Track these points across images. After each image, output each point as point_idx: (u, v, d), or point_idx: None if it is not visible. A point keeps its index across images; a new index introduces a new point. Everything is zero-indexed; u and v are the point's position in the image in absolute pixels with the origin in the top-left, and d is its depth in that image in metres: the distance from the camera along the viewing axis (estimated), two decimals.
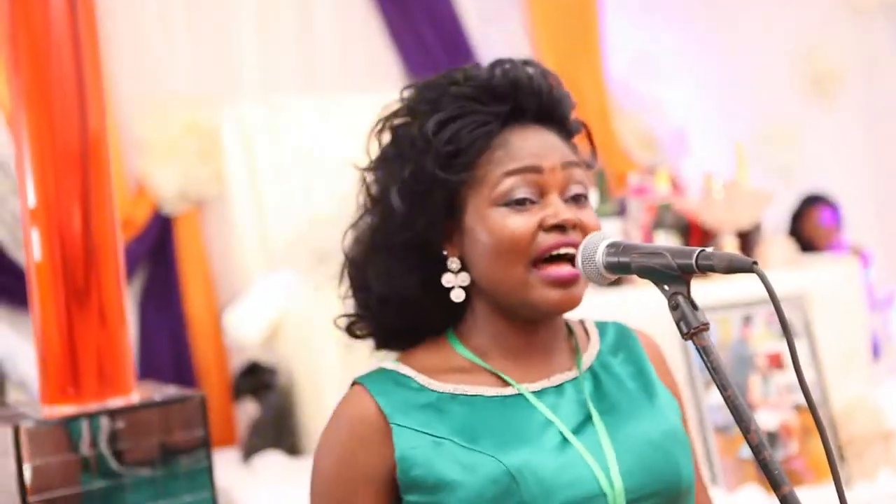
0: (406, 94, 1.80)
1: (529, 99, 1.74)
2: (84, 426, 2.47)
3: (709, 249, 1.55)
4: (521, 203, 1.69)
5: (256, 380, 5.40)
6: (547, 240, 1.66)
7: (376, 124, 1.81)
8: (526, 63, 1.78)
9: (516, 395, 1.72)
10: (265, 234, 5.98)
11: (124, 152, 5.90)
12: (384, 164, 1.76)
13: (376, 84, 6.70)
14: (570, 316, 1.87)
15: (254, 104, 6.23)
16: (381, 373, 1.75)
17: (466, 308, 1.78)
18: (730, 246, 3.98)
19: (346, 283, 1.83)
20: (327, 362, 5.19)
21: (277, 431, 5.28)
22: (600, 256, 1.62)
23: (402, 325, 1.80)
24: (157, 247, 6.09)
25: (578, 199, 1.73)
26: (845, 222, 6.65)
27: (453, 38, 7.05)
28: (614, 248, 1.62)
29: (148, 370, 5.72)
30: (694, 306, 1.54)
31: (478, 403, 1.71)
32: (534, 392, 1.73)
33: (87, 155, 2.65)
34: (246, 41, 6.54)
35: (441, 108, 1.73)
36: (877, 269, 6.42)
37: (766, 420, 3.74)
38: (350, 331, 1.85)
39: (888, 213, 7.97)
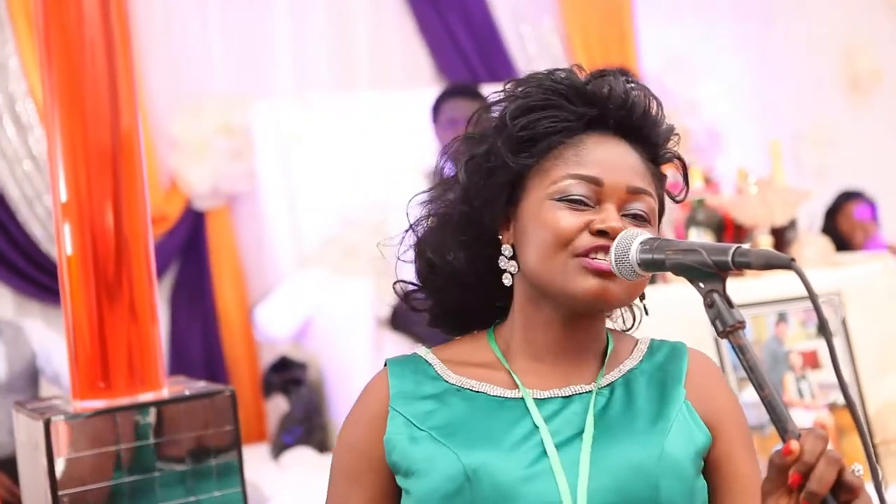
0: (508, 83, 1.80)
1: (618, 111, 1.73)
2: (114, 421, 2.48)
3: (745, 246, 1.53)
4: (575, 202, 1.68)
5: (287, 375, 5.44)
6: (589, 241, 1.65)
7: (478, 110, 1.82)
8: (630, 81, 1.77)
9: (518, 398, 1.72)
10: (297, 231, 6.01)
11: (158, 149, 5.94)
12: (466, 141, 1.78)
13: (409, 83, 6.77)
14: (637, 334, 1.88)
15: (287, 102, 6.25)
16: (409, 358, 1.79)
17: (512, 299, 1.78)
18: (764, 243, 3.96)
19: (405, 248, 1.84)
20: (357, 358, 5.21)
21: (307, 427, 5.30)
22: (634, 253, 1.60)
23: (450, 305, 1.82)
24: (189, 242, 6.12)
25: (636, 217, 1.70)
26: (882, 221, 6.61)
27: (486, 38, 7.07)
28: (648, 244, 1.60)
29: (179, 365, 5.76)
30: (730, 304, 1.52)
31: (477, 400, 1.72)
32: (538, 399, 1.72)
33: (118, 151, 2.66)
34: (279, 40, 6.59)
35: (530, 97, 1.74)
36: None
37: (800, 419, 3.69)
38: (407, 299, 1.87)
39: None
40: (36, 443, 2.48)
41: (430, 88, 6.39)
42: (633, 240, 1.61)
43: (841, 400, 3.78)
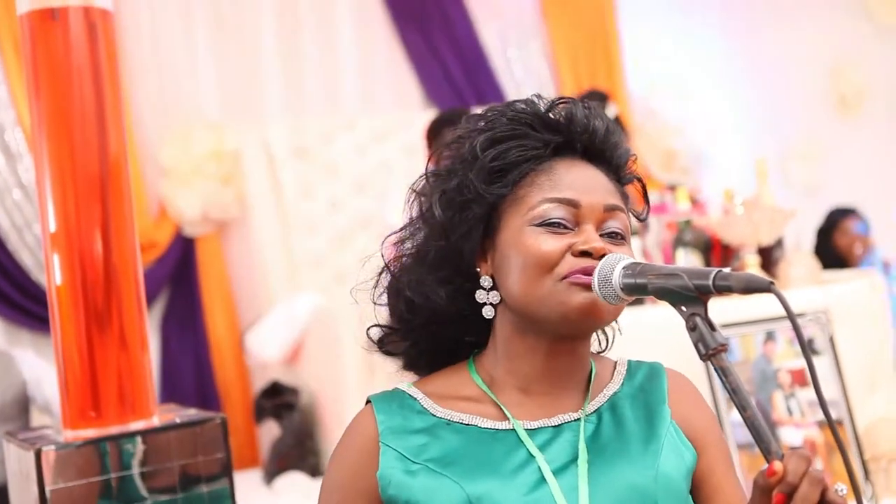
0: (470, 117, 1.83)
1: (582, 135, 1.75)
2: (105, 450, 2.47)
3: (726, 270, 1.54)
4: (555, 226, 1.69)
5: (278, 400, 5.44)
6: (573, 263, 1.66)
7: (452, 141, 1.84)
8: (587, 106, 1.79)
9: (510, 429, 1.72)
10: (288, 255, 6.02)
11: (146, 175, 5.95)
12: (435, 177, 1.79)
13: (398, 107, 6.80)
14: (610, 355, 1.89)
15: (276, 127, 6.27)
16: (393, 393, 1.78)
17: (489, 336, 1.78)
18: (751, 262, 3.97)
19: (380, 289, 1.84)
20: (349, 383, 5.21)
21: (299, 452, 5.30)
22: (617, 278, 1.61)
23: (429, 344, 1.82)
24: (179, 268, 6.13)
25: (614, 236, 1.72)
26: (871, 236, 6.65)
27: (474, 62, 7.11)
28: (631, 269, 1.61)
29: (171, 392, 5.76)
30: (712, 327, 1.52)
31: (469, 433, 1.72)
32: (529, 429, 1.72)
33: (107, 180, 2.66)
34: (269, 66, 6.60)
35: (496, 128, 1.75)
36: None
37: (790, 436, 3.73)
38: (381, 343, 1.86)
39: None
40: (27, 473, 2.47)
41: (418, 113, 6.43)
42: (615, 264, 1.62)
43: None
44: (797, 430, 3.75)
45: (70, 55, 2.65)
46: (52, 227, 2.66)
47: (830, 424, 1.51)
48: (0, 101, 5.87)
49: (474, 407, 1.75)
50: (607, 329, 1.86)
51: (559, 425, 1.73)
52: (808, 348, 1.50)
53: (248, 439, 5.88)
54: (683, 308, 1.55)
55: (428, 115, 5.75)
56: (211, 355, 6.18)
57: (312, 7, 6.74)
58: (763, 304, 3.73)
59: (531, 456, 1.69)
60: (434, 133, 5.26)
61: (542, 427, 1.73)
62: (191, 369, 6.19)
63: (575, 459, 1.69)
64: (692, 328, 1.54)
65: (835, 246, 6.43)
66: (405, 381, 1.84)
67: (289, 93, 6.62)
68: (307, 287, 5.80)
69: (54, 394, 4.56)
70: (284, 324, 5.62)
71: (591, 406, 1.77)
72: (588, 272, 1.65)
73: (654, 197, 4.35)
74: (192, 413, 2.77)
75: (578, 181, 1.73)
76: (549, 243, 1.67)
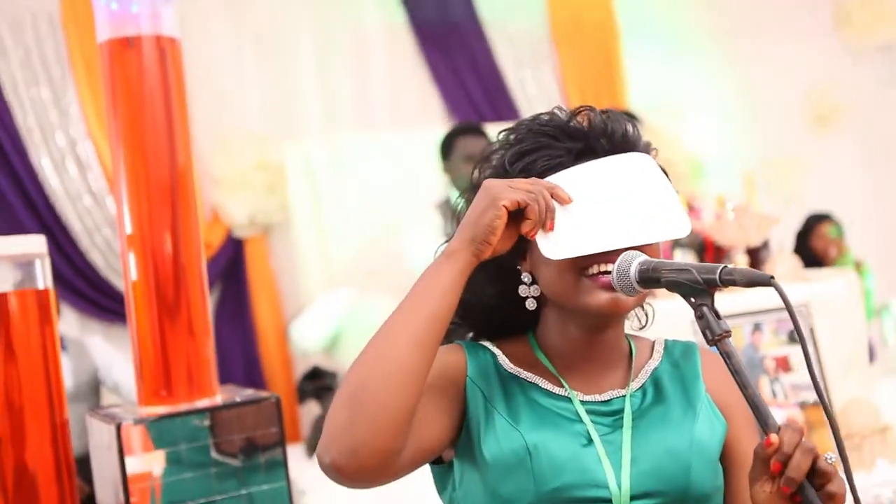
0: (501, 133, 1.82)
1: (601, 139, 1.75)
2: (176, 423, 2.49)
3: (730, 266, 1.55)
4: None
5: (318, 383, 5.44)
6: (595, 255, 1.66)
7: (485, 156, 1.84)
8: (605, 112, 1.79)
9: (565, 395, 1.73)
10: (326, 256, 6.01)
11: (201, 184, 5.97)
12: (473, 191, 1.76)
13: (423, 122, 6.78)
14: (647, 334, 1.90)
15: (315, 141, 6.27)
16: (476, 345, 1.81)
17: (540, 316, 1.80)
18: (741, 262, 3.96)
19: None
20: None
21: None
22: (634, 273, 1.62)
23: (488, 331, 1.84)
24: (230, 266, 6.15)
25: None
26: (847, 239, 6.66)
27: (491, 82, 7.07)
28: (646, 265, 1.62)
29: (222, 377, 5.77)
30: (717, 316, 1.54)
31: (532, 391, 1.73)
32: (582, 399, 1.73)
33: (175, 188, 2.68)
34: (308, 85, 6.60)
35: (522, 142, 1.76)
36: (875, 281, 6.40)
37: (774, 416, 3.71)
38: (448, 337, 1.80)
39: (884, 232, 7.95)
40: (109, 444, 2.49)
41: (441, 127, 6.43)
42: (632, 261, 1.63)
43: (810, 399, 3.82)
44: (780, 410, 3.74)
45: (143, 78, 2.67)
46: (129, 229, 2.67)
47: (823, 402, 1.50)
48: (72, 118, 5.88)
49: (536, 371, 1.76)
50: (646, 310, 1.86)
51: (608, 400, 1.75)
52: (803, 334, 1.52)
53: (291, 418, 5.87)
54: (692, 299, 1.57)
55: (448, 129, 5.77)
56: (257, 344, 6.21)
57: (346, 32, 6.73)
58: (750, 299, 3.75)
59: (582, 421, 1.70)
60: (445, 144, 5.27)
61: (591, 400, 1.74)
62: (239, 356, 6.21)
63: (620, 427, 1.71)
64: (700, 317, 1.55)
65: (811, 248, 6.43)
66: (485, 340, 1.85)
67: (325, 109, 6.62)
68: (342, 284, 5.78)
69: (122, 376, 4.59)
70: (323, 316, 5.64)
71: (636, 383, 1.78)
72: (609, 261, 1.65)
73: None
74: (249, 393, 2.79)
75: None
76: None
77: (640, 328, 1.88)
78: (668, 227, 1.73)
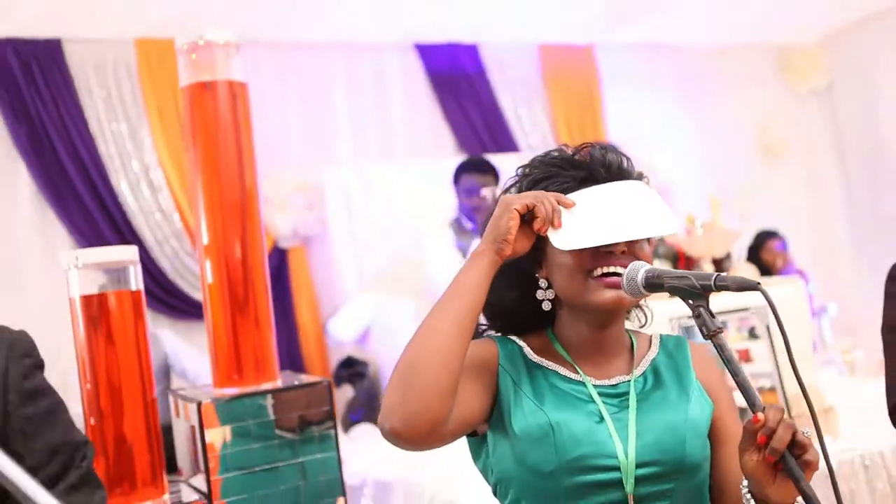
0: (518, 168, 1.85)
1: (600, 169, 1.75)
2: (245, 403, 2.50)
3: (723, 274, 1.57)
4: None
5: (351, 370, 5.47)
6: (599, 259, 1.69)
7: (506, 189, 1.85)
8: (603, 146, 1.80)
9: (580, 381, 1.74)
10: (357, 264, 6.04)
11: None
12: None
13: (436, 153, 6.80)
14: (646, 331, 1.91)
15: (347, 168, 6.29)
16: (505, 338, 1.81)
17: (556, 315, 1.81)
18: (708, 270, 3.99)
19: None
20: None
21: (368, 409, 5.32)
22: (641, 279, 1.63)
23: (513, 327, 1.84)
24: (275, 272, 6.13)
25: (633, 243, 1.73)
26: (790, 252, 6.67)
27: (493, 119, 7.08)
28: (651, 272, 1.63)
29: None
30: (711, 315, 1.57)
31: (553, 376, 1.74)
32: (594, 384, 1.74)
33: (244, 206, 2.69)
34: (341, 123, 6.62)
35: (535, 173, 1.78)
36: (813, 287, 6.42)
37: (736, 399, 3.69)
38: (478, 335, 1.86)
39: (821, 246, 7.97)
40: (190, 419, 2.51)
41: (452, 157, 6.45)
42: (640, 269, 1.64)
43: (767, 384, 3.76)
44: (741, 395, 3.70)
45: (218, 115, 2.68)
46: (205, 240, 2.68)
47: (801, 386, 1.53)
48: (145, 149, 5.90)
49: (555, 361, 1.77)
50: (646, 311, 1.88)
51: (616, 384, 1.75)
52: (784, 329, 1.54)
53: None
54: (690, 301, 1.59)
55: (459, 159, 5.78)
56: (298, 337, 6.19)
57: (372, 78, 6.74)
58: (716, 302, 3.72)
59: (594, 401, 1.71)
60: (455, 175, 5.28)
61: (602, 385, 1.74)
62: (283, 348, 6.20)
63: (626, 407, 1.72)
64: (698, 316, 1.58)
65: (761, 259, 6.45)
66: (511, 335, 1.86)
67: (355, 142, 6.63)
68: (371, 287, 5.82)
69: (188, 363, 4.60)
70: (356, 315, 5.66)
71: (639, 370, 1.79)
72: (612, 264, 1.68)
73: None
74: (304, 377, 2.80)
75: None
76: (584, 253, 1.70)
77: (641, 326, 1.89)
78: (658, 225, 1.75)
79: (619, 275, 1.68)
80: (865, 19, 7.80)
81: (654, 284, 1.63)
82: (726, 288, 1.56)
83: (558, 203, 1.64)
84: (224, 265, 2.66)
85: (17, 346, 1.34)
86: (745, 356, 3.82)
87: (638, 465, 1.65)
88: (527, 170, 1.82)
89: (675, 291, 1.61)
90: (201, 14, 5.61)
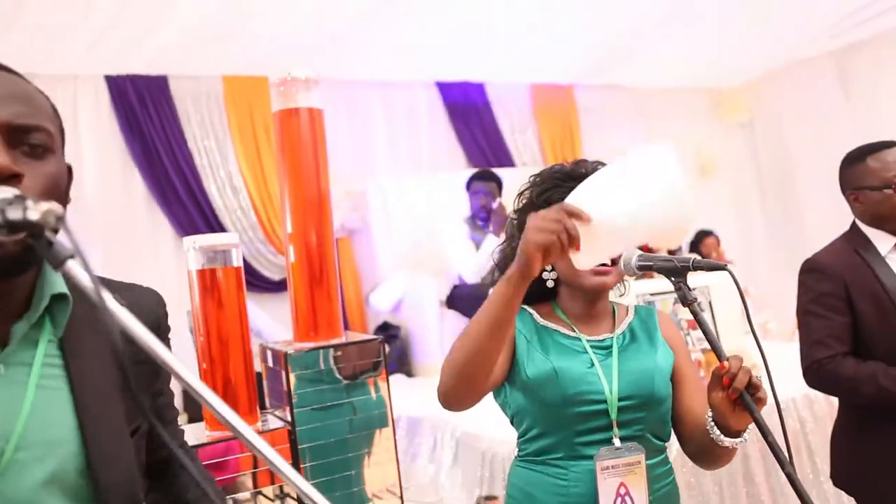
0: (530, 177, 1.86)
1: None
2: (319, 354, 2.49)
3: (698, 258, 1.60)
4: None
5: (387, 333, 5.48)
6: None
7: (520, 193, 1.86)
8: (594, 162, 1.82)
9: (576, 338, 1.76)
10: (391, 251, 6.03)
11: None
12: (516, 213, 1.84)
13: (451, 167, 6.79)
14: (624, 302, 1.94)
15: (385, 178, 6.29)
16: (522, 308, 1.81)
17: (558, 290, 1.83)
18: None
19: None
20: (428, 323, 5.25)
21: (400, 363, 5.33)
22: (635, 262, 1.65)
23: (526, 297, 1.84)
24: None
25: None
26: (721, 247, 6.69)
27: (495, 140, 7.08)
28: (643, 257, 1.65)
29: None
30: (689, 289, 1.58)
31: (556, 335, 1.76)
32: (587, 339, 1.76)
33: (319, 204, 2.68)
34: (379, 142, 6.61)
35: (542, 183, 1.80)
36: (738, 273, 6.44)
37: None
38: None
39: (743, 243, 7.98)
40: (277, 366, 2.51)
41: (463, 169, 6.46)
42: (633, 255, 1.66)
43: (707, 347, 3.80)
44: (692, 353, 3.69)
45: (300, 134, 2.68)
46: (290, 229, 2.67)
47: (759, 347, 1.53)
48: (230, 160, 5.90)
49: (558, 324, 1.79)
50: (625, 285, 1.89)
51: (603, 339, 1.78)
52: (746, 303, 1.56)
53: None
54: (673, 278, 1.60)
55: (468, 172, 5.79)
56: (344, 307, 6.19)
57: (403, 108, 6.74)
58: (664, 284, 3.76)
59: (587, 353, 1.74)
60: (468, 183, 5.30)
61: (593, 339, 1.77)
62: None
63: (611, 356, 1.75)
64: (678, 289, 1.59)
65: (700, 252, 6.46)
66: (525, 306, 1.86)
67: (390, 157, 6.63)
68: (402, 269, 5.83)
69: (262, 325, 4.61)
70: (391, 290, 5.67)
71: (619, 330, 1.82)
72: (604, 272, 1.71)
73: None
74: (360, 335, 2.79)
75: None
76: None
77: (620, 295, 1.94)
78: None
79: (605, 265, 1.71)
80: (779, 70, 7.81)
81: (645, 266, 1.65)
82: (701, 268, 1.56)
83: (575, 217, 1.48)
84: (304, 249, 2.65)
85: (163, 304, 1.31)
86: (692, 324, 3.81)
87: (620, 399, 1.69)
88: (537, 179, 1.83)
89: (661, 271, 1.62)
90: (269, 59, 5.61)
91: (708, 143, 8.09)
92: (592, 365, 1.72)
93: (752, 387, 1.48)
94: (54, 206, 0.83)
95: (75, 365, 1.07)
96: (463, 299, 5.05)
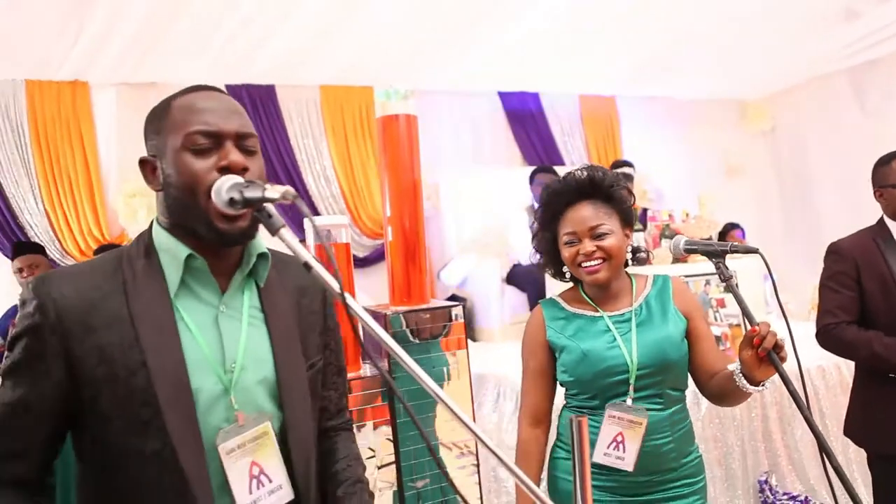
0: (565, 174, 1.86)
1: (585, 186, 1.80)
2: (411, 315, 2.55)
3: (736, 243, 1.62)
4: (569, 243, 1.79)
5: (454, 304, 5.57)
6: (580, 258, 1.77)
7: (543, 187, 1.90)
8: (597, 169, 1.83)
9: (598, 316, 1.79)
10: (459, 235, 6.08)
11: None
12: (534, 212, 1.89)
13: (509, 164, 6.81)
14: (643, 272, 1.95)
15: (455, 172, 6.34)
16: (549, 300, 1.87)
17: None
18: None
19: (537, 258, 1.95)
20: (491, 296, 5.34)
21: (465, 329, 5.43)
22: (681, 245, 1.69)
23: (559, 278, 1.92)
24: None
25: (601, 237, 1.77)
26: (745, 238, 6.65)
27: (547, 143, 7.07)
28: (688, 242, 1.69)
29: None
30: (727, 268, 1.62)
31: (583, 318, 1.80)
32: (608, 315, 1.78)
33: (413, 191, 2.73)
34: (449, 143, 6.65)
35: (554, 188, 1.86)
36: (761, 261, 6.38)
37: (716, 331, 3.71)
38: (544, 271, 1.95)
39: (764, 234, 7.90)
40: (380, 324, 2.55)
41: (521, 168, 6.50)
42: (681, 239, 1.70)
43: (734, 322, 3.78)
44: (719, 328, 3.75)
45: (399, 137, 2.73)
46: (388, 213, 2.72)
47: (785, 317, 1.57)
48: (324, 155, 6.01)
49: (583, 306, 1.83)
50: (649, 253, 1.94)
51: (622, 313, 1.80)
52: (774, 282, 1.63)
53: None
54: (714, 259, 1.63)
55: (524, 170, 5.81)
56: None
57: (469, 114, 6.78)
58: (703, 267, 3.75)
59: (609, 329, 1.77)
60: (531, 176, 5.36)
61: (613, 314, 1.80)
62: None
63: (630, 330, 1.76)
64: (718, 268, 1.61)
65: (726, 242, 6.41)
66: (552, 296, 1.91)
67: (459, 155, 6.68)
68: (469, 251, 5.87)
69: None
70: (459, 267, 5.77)
71: (636, 304, 1.82)
72: (596, 257, 1.75)
73: (649, 213, 4.39)
74: (444, 302, 2.84)
75: (577, 216, 1.77)
76: (570, 251, 1.79)
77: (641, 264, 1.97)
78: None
79: (593, 263, 1.75)
80: (798, 84, 7.68)
81: (690, 249, 1.69)
82: (737, 251, 1.61)
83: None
84: (400, 230, 2.71)
85: None
86: (721, 303, 3.82)
87: (639, 368, 1.73)
88: (550, 185, 1.86)
89: (704, 253, 1.66)
90: (359, 72, 5.76)
91: (734, 148, 7.99)
92: (614, 340, 1.75)
93: (777, 347, 1.52)
94: (288, 188, 1.01)
95: (269, 309, 1.25)
96: (520, 276, 5.16)
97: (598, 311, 1.79)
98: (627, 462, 1.72)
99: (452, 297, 5.66)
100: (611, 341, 1.73)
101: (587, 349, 1.72)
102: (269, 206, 1.05)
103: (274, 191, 1.01)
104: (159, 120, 1.21)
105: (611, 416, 1.72)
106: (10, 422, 1.11)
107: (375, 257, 5.94)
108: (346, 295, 0.96)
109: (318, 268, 0.99)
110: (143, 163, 1.22)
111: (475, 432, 0.90)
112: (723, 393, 1.71)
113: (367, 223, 6.04)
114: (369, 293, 5.43)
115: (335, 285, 0.94)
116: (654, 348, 1.73)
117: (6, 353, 1.14)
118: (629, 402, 1.71)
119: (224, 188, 1.10)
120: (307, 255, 0.99)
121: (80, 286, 1.13)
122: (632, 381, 1.70)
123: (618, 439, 1.72)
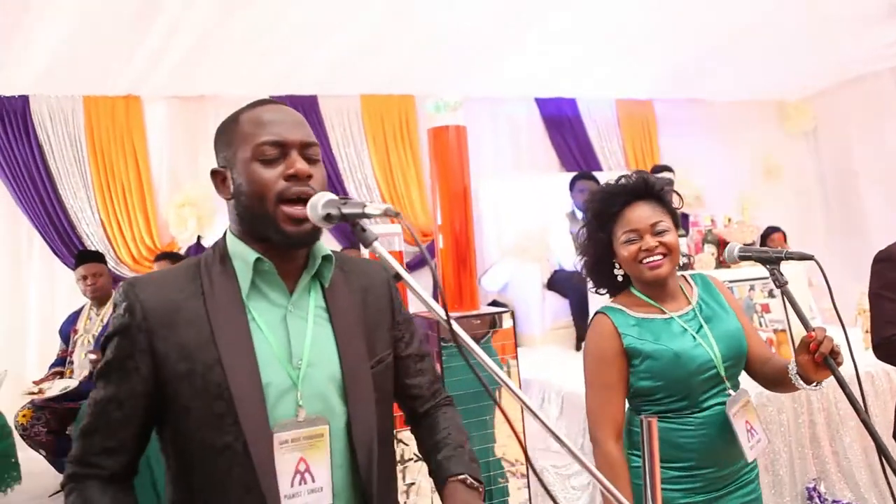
0: (611, 181, 1.86)
1: (638, 187, 1.80)
2: (463, 321, 2.60)
3: (789, 250, 1.63)
4: (630, 241, 1.77)
5: (496, 308, 5.60)
6: (642, 254, 1.75)
7: (589, 195, 1.88)
8: (641, 173, 1.83)
9: (669, 318, 1.76)
10: (500, 240, 6.08)
11: None
12: (575, 218, 1.94)
13: (547, 170, 6.83)
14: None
15: (494, 178, 6.36)
16: (610, 307, 1.81)
17: (629, 280, 1.86)
18: None
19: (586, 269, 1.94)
20: (531, 301, 5.37)
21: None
22: (736, 251, 1.71)
23: (610, 286, 1.90)
24: None
25: (661, 233, 1.75)
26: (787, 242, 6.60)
27: (585, 148, 7.07)
28: (743, 249, 1.70)
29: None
30: (781, 273, 1.63)
31: (655, 322, 1.76)
32: (677, 316, 1.77)
33: (464, 197, 2.81)
34: (488, 150, 6.69)
35: (606, 190, 1.85)
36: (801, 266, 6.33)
37: (761, 336, 3.66)
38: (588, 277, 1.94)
39: (806, 239, 7.83)
40: (428, 330, 2.64)
41: (558, 173, 6.53)
42: (735, 246, 1.71)
43: (779, 327, 3.69)
44: (764, 333, 3.69)
45: (448, 146, 2.81)
46: (439, 220, 2.79)
47: (842, 323, 1.60)
48: (365, 164, 6.11)
49: (645, 308, 1.79)
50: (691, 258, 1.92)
51: (687, 312, 1.78)
52: (831, 288, 1.64)
53: None
54: (768, 266, 1.64)
55: (562, 176, 5.81)
56: None
57: (507, 121, 6.82)
58: (748, 272, 3.71)
59: (684, 329, 1.74)
60: (571, 182, 5.38)
61: (681, 314, 1.77)
62: None
63: (701, 326, 1.76)
64: (772, 273, 1.63)
65: (768, 247, 6.36)
66: (612, 303, 1.85)
67: (497, 162, 6.72)
68: (509, 255, 5.86)
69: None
70: (499, 273, 5.80)
71: (693, 301, 1.80)
72: (649, 255, 1.73)
73: (691, 218, 4.37)
74: (494, 307, 2.90)
75: (639, 215, 1.77)
76: (629, 248, 1.77)
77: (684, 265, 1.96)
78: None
79: (655, 259, 1.75)
80: (840, 83, 7.60)
81: (745, 256, 1.71)
82: (792, 258, 1.63)
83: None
84: (451, 236, 2.78)
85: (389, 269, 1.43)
86: (766, 308, 3.76)
87: (724, 360, 1.73)
88: (604, 188, 1.85)
89: (759, 259, 1.67)
90: (400, 82, 5.84)
91: (774, 149, 7.90)
92: (694, 338, 1.74)
93: (833, 352, 1.53)
94: (389, 205, 1.09)
95: (333, 308, 1.32)
96: (562, 282, 5.19)
97: (664, 312, 1.79)
98: (762, 438, 1.76)
99: (493, 303, 5.69)
100: (692, 340, 1.72)
101: (679, 350, 1.70)
102: (363, 220, 1.13)
103: (374, 208, 1.09)
104: (229, 133, 1.28)
105: (734, 413, 1.73)
106: (105, 418, 1.19)
107: (416, 264, 6.01)
108: (448, 316, 1.03)
109: (408, 278, 1.06)
110: (214, 174, 1.30)
111: (575, 455, 0.94)
112: (777, 381, 1.73)
113: (407, 230, 6.14)
114: (410, 299, 5.50)
115: (438, 308, 1.00)
116: (730, 340, 1.74)
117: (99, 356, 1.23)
118: (731, 393, 1.73)
119: (320, 204, 1.17)
120: (400, 267, 1.07)
121: (163, 289, 1.22)
122: (723, 373, 1.70)
123: (747, 427, 1.74)
